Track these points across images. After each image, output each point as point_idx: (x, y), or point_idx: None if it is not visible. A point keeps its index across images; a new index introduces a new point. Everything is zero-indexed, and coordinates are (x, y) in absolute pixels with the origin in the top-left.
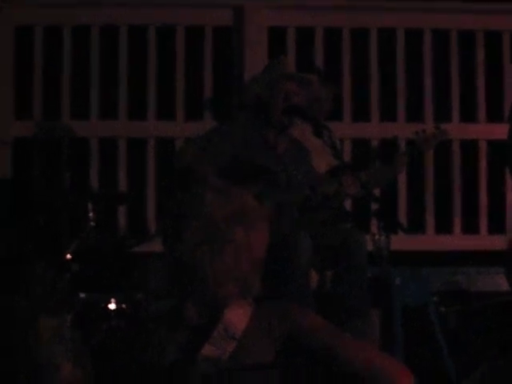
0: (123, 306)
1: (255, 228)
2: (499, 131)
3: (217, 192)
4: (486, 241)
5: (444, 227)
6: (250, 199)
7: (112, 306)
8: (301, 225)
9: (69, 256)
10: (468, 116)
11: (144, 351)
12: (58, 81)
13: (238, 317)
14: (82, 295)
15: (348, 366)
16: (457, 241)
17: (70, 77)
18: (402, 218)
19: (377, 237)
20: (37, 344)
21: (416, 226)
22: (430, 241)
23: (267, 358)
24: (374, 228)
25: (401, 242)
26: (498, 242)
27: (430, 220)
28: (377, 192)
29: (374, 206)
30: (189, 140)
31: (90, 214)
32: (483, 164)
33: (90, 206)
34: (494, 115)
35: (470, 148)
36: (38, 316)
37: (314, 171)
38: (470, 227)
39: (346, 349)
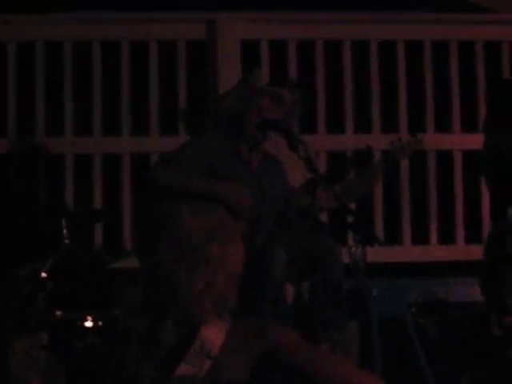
0: (99, 323)
1: (231, 243)
2: (474, 141)
3: (192, 208)
4: (462, 251)
5: (420, 238)
6: (224, 214)
7: (88, 324)
8: (276, 238)
9: (44, 274)
10: (443, 126)
11: (120, 369)
12: (32, 97)
13: (214, 334)
14: (58, 313)
15: (326, 382)
16: (434, 251)
17: (43, 93)
18: (379, 229)
19: (353, 249)
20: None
21: (392, 237)
22: (406, 252)
23: (243, 375)
24: (350, 240)
25: (377, 253)
26: (474, 252)
27: (406, 231)
28: (352, 204)
29: (350, 219)
30: (161, 156)
31: (64, 232)
32: (458, 174)
33: (64, 223)
34: (469, 125)
35: (445, 158)
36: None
37: (287, 185)
38: (447, 237)
39: (323, 365)
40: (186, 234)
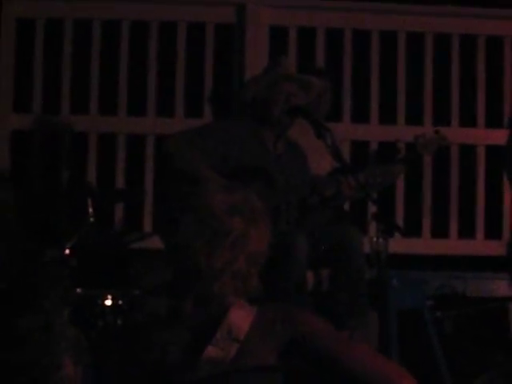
0: (119, 302)
1: (254, 222)
2: (498, 137)
3: (219, 186)
4: (482, 246)
5: (441, 231)
6: (251, 195)
7: (108, 303)
8: (299, 224)
9: (67, 251)
10: (467, 121)
11: (146, 351)
12: (58, 75)
13: (241, 319)
14: (79, 291)
15: (350, 369)
16: (453, 245)
17: (70, 71)
18: (400, 221)
19: (375, 239)
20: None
21: (413, 229)
22: (426, 244)
23: (269, 360)
24: (371, 230)
25: (397, 245)
26: (494, 248)
27: (426, 223)
28: (375, 195)
29: (373, 209)
30: (177, 132)
31: (90, 210)
32: (481, 169)
33: (89, 201)
34: (493, 121)
35: (468, 152)
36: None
37: (311, 173)
38: (467, 232)
39: (348, 353)
40: (207, 208)
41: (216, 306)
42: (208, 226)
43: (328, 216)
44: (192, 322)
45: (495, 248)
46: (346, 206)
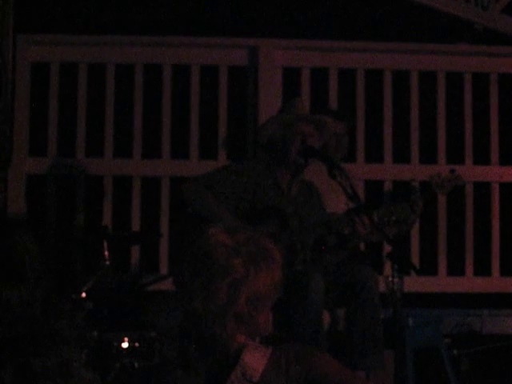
0: (136, 344)
1: (258, 265)
2: None
3: (220, 228)
4: (498, 283)
5: (456, 269)
6: (258, 237)
7: (125, 345)
8: (314, 264)
9: (84, 294)
10: (481, 158)
11: None
12: (73, 118)
13: (255, 360)
14: (96, 333)
15: None
16: (469, 282)
17: (85, 114)
18: (415, 259)
19: (390, 278)
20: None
21: (428, 267)
22: (442, 282)
23: None
24: (387, 269)
25: (413, 283)
26: (510, 284)
27: (442, 261)
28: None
29: (388, 248)
30: (194, 178)
31: (106, 253)
32: (496, 206)
33: (105, 244)
34: (507, 158)
35: (482, 190)
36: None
37: (325, 213)
38: (483, 269)
39: None
40: (205, 249)
41: (222, 347)
42: (205, 267)
43: (343, 255)
44: (201, 365)
45: (511, 284)
46: (362, 246)
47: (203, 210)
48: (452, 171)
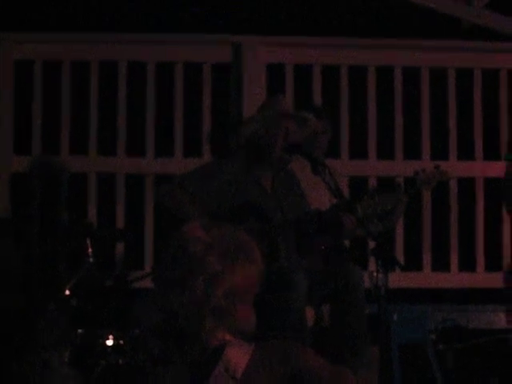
0: (121, 342)
1: (235, 260)
2: (496, 169)
3: (196, 225)
4: (483, 278)
5: (441, 264)
6: (233, 231)
7: (109, 342)
8: (297, 260)
9: (68, 292)
10: (465, 154)
11: None
12: (57, 116)
13: (238, 356)
14: (80, 331)
15: None
16: (454, 278)
17: (69, 112)
18: (399, 255)
19: (374, 274)
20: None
21: (413, 263)
22: (426, 278)
23: None
24: (371, 265)
25: (398, 279)
26: (495, 280)
27: (426, 257)
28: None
29: (372, 244)
30: (173, 180)
31: (89, 250)
32: (480, 201)
33: (88, 241)
34: (491, 153)
35: (467, 185)
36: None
37: (308, 206)
38: (467, 265)
39: None
40: (181, 246)
41: (201, 344)
42: (181, 263)
43: (327, 252)
44: (183, 361)
45: (496, 280)
46: (346, 242)
47: (175, 210)
48: (437, 167)
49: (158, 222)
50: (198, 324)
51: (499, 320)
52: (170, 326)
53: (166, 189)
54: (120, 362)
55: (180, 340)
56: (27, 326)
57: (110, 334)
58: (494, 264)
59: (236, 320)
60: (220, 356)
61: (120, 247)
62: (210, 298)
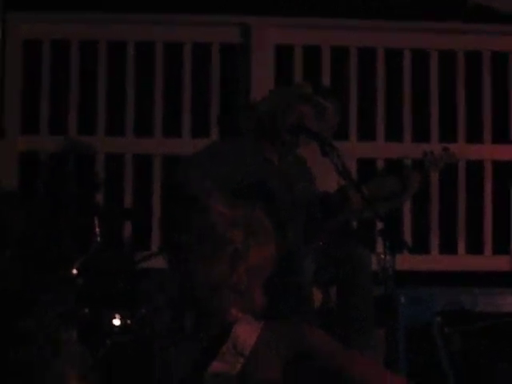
0: (128, 321)
1: (256, 238)
2: (504, 152)
3: (220, 200)
4: (490, 261)
5: (448, 247)
6: (255, 210)
7: (116, 322)
8: (306, 241)
9: (75, 271)
10: (473, 137)
11: (151, 367)
12: (66, 96)
13: (246, 333)
14: (87, 310)
15: (358, 383)
16: (461, 261)
17: (77, 92)
18: (407, 237)
19: (382, 256)
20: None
21: (420, 245)
22: (434, 261)
23: (275, 375)
24: (379, 247)
25: (405, 261)
26: (502, 263)
27: (434, 240)
28: (382, 213)
29: (379, 225)
30: (185, 160)
31: (97, 230)
32: (488, 184)
33: (96, 221)
34: (500, 136)
35: (475, 168)
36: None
37: (316, 188)
38: (475, 247)
39: (355, 366)
40: (205, 220)
41: (218, 319)
42: (207, 240)
43: (335, 232)
44: (196, 337)
45: (503, 263)
46: (354, 224)
47: (197, 192)
48: (445, 149)
49: (168, 203)
50: (218, 300)
51: (506, 303)
52: (189, 302)
53: (184, 172)
54: (128, 340)
55: (197, 314)
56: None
57: (117, 313)
58: (501, 247)
59: (252, 299)
60: (229, 333)
61: (128, 227)
62: (233, 274)
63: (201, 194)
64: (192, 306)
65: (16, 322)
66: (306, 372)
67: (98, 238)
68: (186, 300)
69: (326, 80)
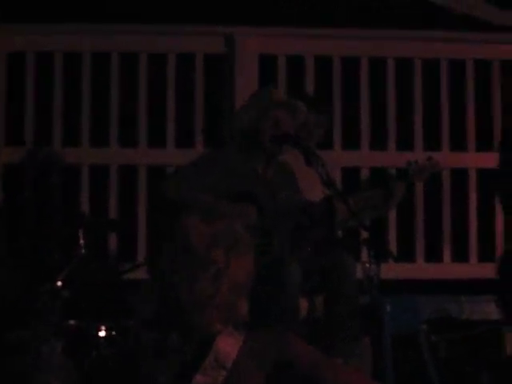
0: (113, 333)
1: (237, 254)
2: (488, 159)
3: (198, 218)
4: (476, 269)
5: (434, 255)
6: (233, 225)
7: (102, 334)
8: (291, 250)
9: (59, 283)
10: (458, 145)
11: (135, 380)
12: (50, 107)
13: (228, 346)
14: (72, 322)
15: None
16: (447, 269)
17: (61, 103)
18: (392, 246)
19: (367, 265)
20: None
21: (406, 254)
22: (419, 269)
23: None
24: (364, 256)
25: (391, 270)
26: (487, 270)
27: (419, 248)
28: (367, 222)
29: (364, 234)
30: (173, 172)
31: (82, 241)
32: (473, 192)
33: (80, 233)
34: (484, 144)
35: (459, 177)
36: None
37: (302, 196)
38: (460, 255)
39: (338, 376)
40: (186, 242)
41: (201, 335)
42: (188, 259)
43: (320, 242)
44: (179, 352)
45: (489, 271)
46: (339, 233)
47: (183, 199)
48: (429, 158)
49: (157, 215)
50: (200, 317)
51: (492, 311)
52: (171, 317)
53: (172, 182)
54: (112, 352)
55: (179, 331)
56: (19, 316)
57: (103, 325)
58: (486, 255)
59: (237, 312)
60: (211, 346)
61: (113, 238)
62: (217, 292)
63: (183, 212)
64: (176, 319)
65: (8, 333)
66: (288, 381)
67: (83, 250)
68: (170, 313)
69: (310, 89)
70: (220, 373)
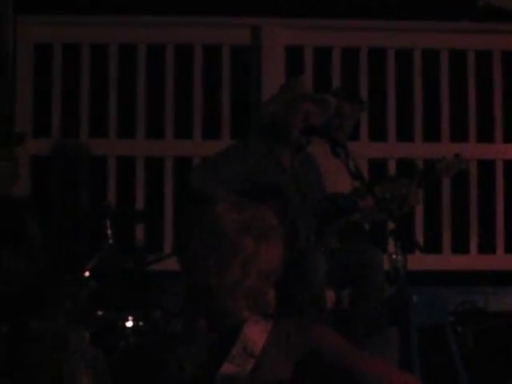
0: (140, 323)
1: (266, 241)
2: None
3: (229, 205)
4: (502, 260)
5: (460, 246)
6: (263, 213)
7: (129, 324)
8: (318, 242)
9: (87, 273)
10: (485, 136)
11: (163, 369)
12: (77, 99)
13: (256, 334)
14: (100, 312)
15: (367, 382)
16: (473, 260)
17: (88, 95)
18: (419, 237)
19: (394, 256)
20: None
21: (432, 245)
22: (446, 260)
23: (285, 374)
24: (391, 247)
25: (417, 261)
26: None
27: (446, 240)
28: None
29: (391, 226)
30: (200, 163)
31: (109, 232)
32: (500, 183)
33: (108, 223)
34: (511, 135)
35: (486, 168)
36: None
37: (325, 188)
38: (487, 247)
39: (365, 365)
40: (217, 228)
41: (230, 322)
42: (218, 245)
43: (347, 234)
44: (207, 340)
45: None
46: (366, 225)
47: (207, 191)
48: (457, 155)
49: (184, 206)
50: (230, 303)
51: None
52: (201, 303)
53: (197, 173)
54: (140, 343)
55: (208, 317)
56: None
57: (130, 315)
58: None
59: (265, 300)
60: (238, 334)
61: (139, 229)
62: (246, 278)
63: (213, 200)
64: (203, 306)
65: (29, 322)
66: (316, 370)
67: (110, 241)
68: (198, 300)
69: (337, 81)
70: (248, 361)
